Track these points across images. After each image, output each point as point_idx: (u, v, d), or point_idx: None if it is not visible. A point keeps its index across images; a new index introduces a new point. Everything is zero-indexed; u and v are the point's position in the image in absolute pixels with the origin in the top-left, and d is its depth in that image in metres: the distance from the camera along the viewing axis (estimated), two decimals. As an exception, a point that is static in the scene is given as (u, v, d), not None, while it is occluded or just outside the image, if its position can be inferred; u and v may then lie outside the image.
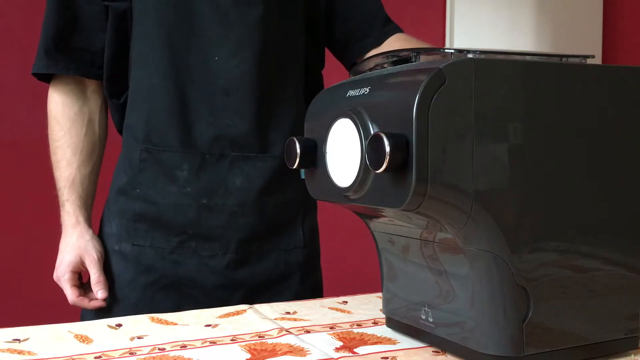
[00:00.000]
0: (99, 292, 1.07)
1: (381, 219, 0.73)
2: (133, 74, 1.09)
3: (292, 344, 0.75)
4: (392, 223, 0.72)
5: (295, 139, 0.73)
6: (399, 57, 0.70)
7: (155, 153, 1.07)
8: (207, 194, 1.06)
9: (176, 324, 0.84)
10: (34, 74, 1.13)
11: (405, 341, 0.76)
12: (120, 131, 1.15)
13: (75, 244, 1.09)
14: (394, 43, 1.18)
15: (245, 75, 1.05)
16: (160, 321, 0.85)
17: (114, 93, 1.12)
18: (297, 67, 1.14)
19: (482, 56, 0.63)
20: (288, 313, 0.89)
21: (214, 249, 1.07)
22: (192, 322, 0.85)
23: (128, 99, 1.10)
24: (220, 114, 1.05)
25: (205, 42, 1.05)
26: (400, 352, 0.72)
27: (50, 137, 1.14)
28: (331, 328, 0.82)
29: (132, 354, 0.72)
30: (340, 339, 0.77)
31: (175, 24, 1.05)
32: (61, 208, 1.13)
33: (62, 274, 1.09)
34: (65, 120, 1.12)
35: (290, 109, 1.11)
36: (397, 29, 1.21)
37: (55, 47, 1.10)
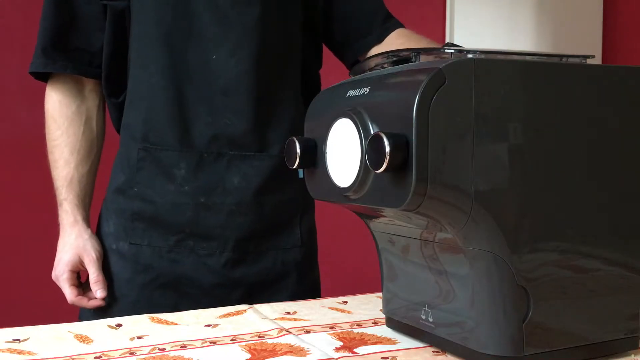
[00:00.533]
0: (98, 291, 1.07)
1: (381, 219, 0.73)
2: (132, 73, 1.09)
3: (292, 344, 0.75)
4: (392, 223, 0.72)
5: (295, 138, 0.73)
6: (399, 57, 0.70)
7: (153, 152, 1.07)
8: (204, 193, 1.07)
9: (176, 324, 0.84)
10: (32, 73, 1.13)
11: (405, 341, 0.76)
12: (119, 130, 1.15)
13: (74, 243, 1.09)
14: (395, 40, 1.18)
15: (243, 75, 1.05)
16: (160, 321, 0.85)
17: (113, 92, 1.13)
18: (296, 67, 1.14)
19: (482, 56, 0.63)
20: (288, 313, 0.89)
21: (212, 248, 1.07)
22: (192, 322, 0.85)
23: (126, 98, 1.11)
24: (219, 113, 1.06)
25: (203, 42, 1.05)
26: (400, 352, 0.72)
27: (47, 136, 1.14)
28: (331, 328, 0.82)
29: (132, 354, 0.72)
30: (340, 339, 0.77)
31: (174, 24, 1.05)
32: (59, 207, 1.13)
33: (61, 273, 1.09)
34: (62, 119, 1.12)
35: (288, 109, 1.11)
36: (398, 24, 1.21)
37: (53, 46, 1.10)
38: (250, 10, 1.05)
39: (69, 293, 1.09)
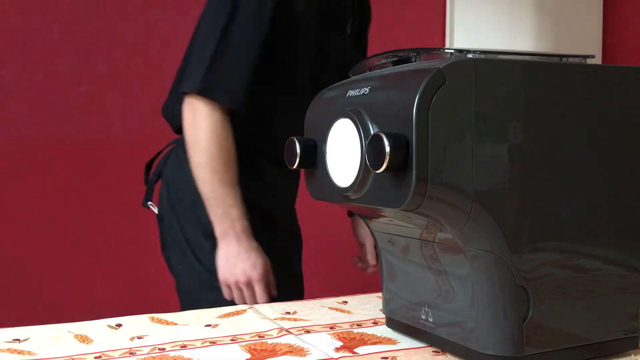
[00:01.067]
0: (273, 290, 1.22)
1: (381, 219, 0.73)
2: (277, 106, 1.26)
3: (292, 344, 0.75)
4: (392, 223, 0.72)
5: (295, 138, 0.73)
6: (399, 57, 0.70)
7: (272, 172, 1.29)
8: (289, 199, 1.38)
9: (176, 324, 0.84)
10: (222, 105, 1.19)
11: (405, 341, 0.76)
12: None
13: (260, 250, 1.21)
14: None
15: None
16: (160, 321, 0.85)
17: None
18: None
19: (482, 56, 0.63)
20: (288, 313, 0.89)
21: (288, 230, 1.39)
22: (192, 322, 0.85)
23: (264, 128, 1.27)
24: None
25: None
26: (400, 352, 0.72)
27: (217, 144, 1.19)
28: (331, 328, 0.82)
29: (132, 354, 0.73)
30: (340, 339, 0.77)
31: (312, 71, 1.24)
32: (223, 214, 1.20)
33: (267, 278, 1.20)
34: (225, 132, 1.21)
35: None
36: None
37: (250, 84, 1.19)
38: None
39: (266, 296, 1.19)
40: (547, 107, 0.63)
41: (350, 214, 1.49)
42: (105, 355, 0.72)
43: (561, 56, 0.67)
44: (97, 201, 2.21)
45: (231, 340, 0.77)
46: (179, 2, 2.31)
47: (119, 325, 0.83)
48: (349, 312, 0.90)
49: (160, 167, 1.38)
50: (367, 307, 0.93)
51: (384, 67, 0.71)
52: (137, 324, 0.84)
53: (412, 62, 0.68)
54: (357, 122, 0.64)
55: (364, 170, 0.63)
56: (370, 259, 1.46)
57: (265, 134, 1.28)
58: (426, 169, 0.58)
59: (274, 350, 0.73)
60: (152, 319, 0.86)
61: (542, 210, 0.63)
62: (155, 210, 1.36)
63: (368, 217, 0.75)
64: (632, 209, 0.69)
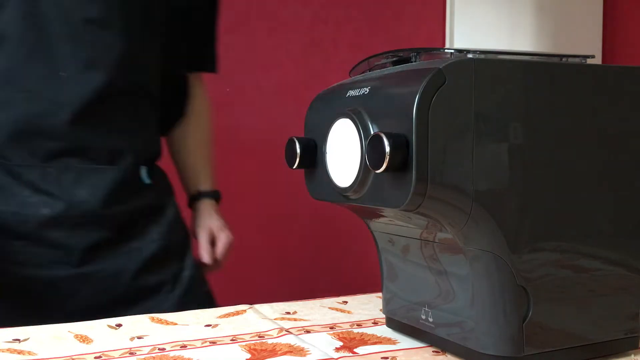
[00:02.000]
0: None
1: (381, 219, 0.73)
2: None
3: (292, 344, 0.75)
4: (392, 223, 0.72)
5: (295, 138, 0.73)
6: (399, 57, 0.70)
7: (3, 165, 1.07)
8: (49, 205, 1.06)
9: (176, 324, 0.84)
10: None
11: (405, 341, 0.76)
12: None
13: None
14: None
15: (94, 94, 1.06)
16: (160, 321, 0.85)
17: None
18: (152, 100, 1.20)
19: (482, 56, 0.63)
20: (288, 313, 0.89)
21: (58, 256, 1.07)
22: (192, 322, 0.85)
23: None
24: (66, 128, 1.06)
25: (54, 57, 1.05)
26: (400, 352, 0.72)
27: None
28: (331, 328, 0.82)
29: (132, 354, 0.73)
30: (340, 339, 0.77)
31: (28, 40, 1.05)
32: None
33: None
34: None
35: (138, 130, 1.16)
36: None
37: None
38: (106, 32, 1.08)
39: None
40: (547, 107, 0.63)
41: (190, 204, 1.32)
42: (105, 355, 0.72)
43: (561, 56, 0.67)
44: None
45: (231, 340, 0.77)
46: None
47: (119, 325, 0.83)
48: (349, 312, 0.90)
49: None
50: (367, 307, 0.93)
51: (384, 67, 0.71)
52: (137, 324, 0.84)
53: (412, 62, 0.68)
54: (357, 122, 0.64)
55: (364, 170, 0.63)
56: (204, 255, 1.27)
57: None
58: (426, 169, 0.58)
59: (274, 350, 0.73)
60: (152, 319, 0.86)
61: (542, 210, 0.63)
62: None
63: (368, 217, 0.75)
64: (632, 209, 0.69)
